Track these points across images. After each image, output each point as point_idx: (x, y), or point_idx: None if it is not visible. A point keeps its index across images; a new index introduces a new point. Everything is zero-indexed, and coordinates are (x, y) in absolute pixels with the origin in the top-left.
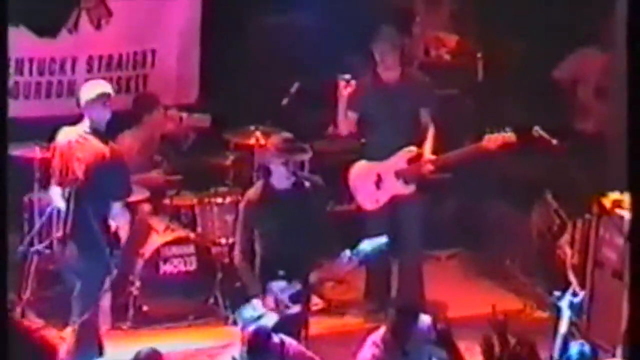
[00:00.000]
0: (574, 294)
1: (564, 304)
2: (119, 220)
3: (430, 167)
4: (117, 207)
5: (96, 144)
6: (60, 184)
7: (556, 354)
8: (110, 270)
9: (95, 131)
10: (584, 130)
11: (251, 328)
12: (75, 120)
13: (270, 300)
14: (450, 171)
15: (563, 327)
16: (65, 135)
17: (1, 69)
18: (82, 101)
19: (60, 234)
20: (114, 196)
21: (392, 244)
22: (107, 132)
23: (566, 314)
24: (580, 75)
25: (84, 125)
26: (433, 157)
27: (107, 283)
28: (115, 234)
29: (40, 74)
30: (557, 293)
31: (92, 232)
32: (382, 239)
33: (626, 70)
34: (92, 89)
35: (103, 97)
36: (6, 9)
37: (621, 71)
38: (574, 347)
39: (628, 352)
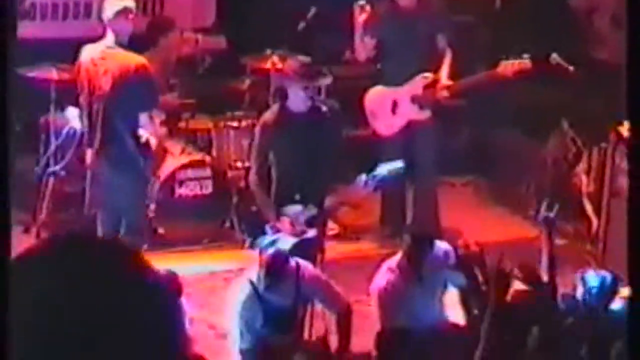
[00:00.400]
0: (549, 208)
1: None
2: (149, 130)
3: (445, 92)
4: (145, 117)
5: (122, 56)
6: (87, 101)
7: (545, 276)
8: (148, 178)
9: (120, 45)
10: (600, 59)
11: (268, 251)
12: (93, 40)
13: (286, 223)
14: (465, 97)
15: (544, 244)
16: (89, 52)
17: None
18: (106, 15)
19: (92, 149)
20: (142, 107)
21: (407, 170)
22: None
23: (544, 230)
24: (596, 3)
25: (108, 41)
26: (449, 82)
27: (148, 191)
28: (147, 143)
29: None
30: (531, 212)
31: (124, 144)
32: (399, 164)
33: None
34: (116, 2)
35: (126, 11)
36: None
37: None
38: (593, 278)
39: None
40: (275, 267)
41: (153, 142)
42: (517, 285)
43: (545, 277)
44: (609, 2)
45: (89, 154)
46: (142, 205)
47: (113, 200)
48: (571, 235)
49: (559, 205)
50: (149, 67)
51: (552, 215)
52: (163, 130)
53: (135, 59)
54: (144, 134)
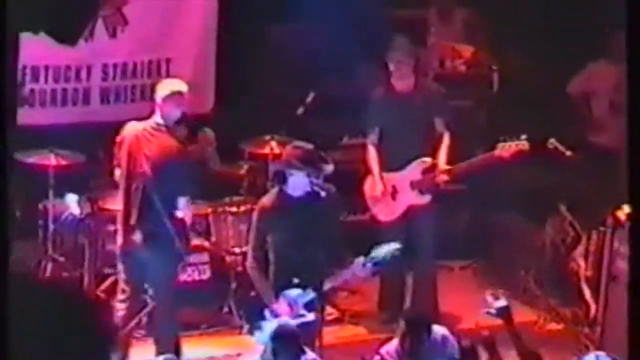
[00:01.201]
0: (495, 297)
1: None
2: (186, 213)
3: (444, 176)
4: (184, 200)
5: (166, 139)
6: (125, 178)
7: None
8: (183, 258)
9: (165, 127)
10: (598, 143)
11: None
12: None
13: (284, 305)
14: (464, 181)
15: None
16: (134, 129)
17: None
18: (158, 95)
19: (130, 224)
20: (181, 191)
21: (406, 255)
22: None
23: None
24: (594, 89)
25: (154, 120)
26: (447, 166)
27: (180, 270)
28: (184, 225)
29: (56, 81)
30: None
31: (162, 224)
32: (395, 244)
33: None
34: (168, 85)
35: (177, 95)
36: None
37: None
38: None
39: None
40: (285, 335)
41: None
42: None
43: None
44: (607, 87)
45: (121, 233)
46: (174, 285)
47: (144, 280)
48: (569, 319)
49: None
50: (190, 153)
51: (502, 303)
52: None
53: (178, 144)
54: (181, 214)
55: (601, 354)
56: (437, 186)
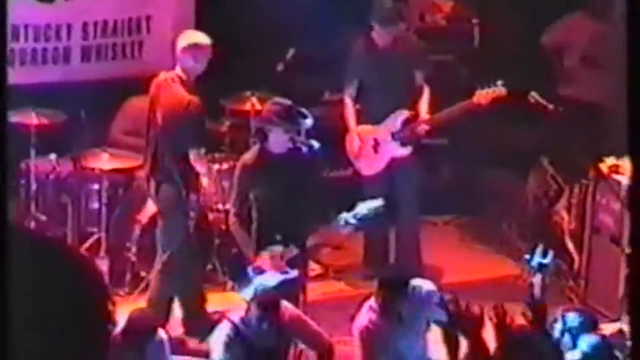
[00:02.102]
0: (544, 255)
1: (533, 265)
2: (198, 167)
3: (425, 126)
4: (195, 153)
5: (178, 91)
6: (147, 125)
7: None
8: (188, 213)
9: (180, 79)
10: (569, 96)
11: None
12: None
13: (266, 260)
14: (445, 134)
15: (536, 290)
16: (158, 78)
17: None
18: (177, 47)
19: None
20: (189, 144)
21: (389, 210)
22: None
23: (537, 276)
24: (567, 41)
25: (174, 72)
26: (427, 116)
27: (191, 226)
28: (196, 178)
29: (36, 40)
30: (526, 256)
31: (171, 174)
32: (378, 202)
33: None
34: (187, 37)
35: (193, 47)
36: None
37: (615, 40)
38: (574, 318)
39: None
40: (266, 305)
41: (205, 180)
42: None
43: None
44: (580, 40)
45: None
46: (180, 237)
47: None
48: (553, 272)
49: (552, 252)
50: (200, 106)
51: (546, 261)
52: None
53: (188, 96)
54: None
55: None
56: (418, 137)
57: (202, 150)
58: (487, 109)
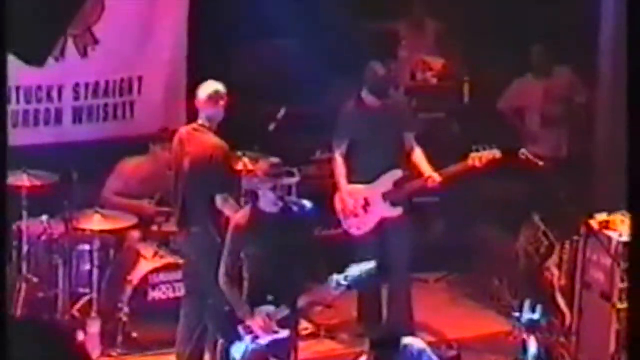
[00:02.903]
0: (532, 310)
1: (524, 322)
2: (227, 211)
3: (437, 179)
4: (220, 199)
5: (205, 138)
6: (174, 180)
7: None
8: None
9: (205, 127)
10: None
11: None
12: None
13: (259, 320)
14: (436, 193)
15: (532, 348)
16: (180, 132)
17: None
18: (198, 99)
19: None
20: (218, 189)
21: (381, 269)
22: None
23: (531, 336)
24: (524, 104)
25: (197, 122)
26: (434, 173)
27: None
28: (225, 224)
29: (28, 102)
30: (515, 314)
31: (202, 224)
32: (371, 264)
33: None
34: (207, 87)
35: (215, 96)
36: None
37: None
38: None
39: None
40: None
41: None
42: None
43: None
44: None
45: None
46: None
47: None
48: (545, 329)
49: (541, 307)
50: (227, 151)
51: (536, 317)
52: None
53: (214, 141)
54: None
55: None
56: (409, 198)
57: (228, 196)
58: (482, 171)
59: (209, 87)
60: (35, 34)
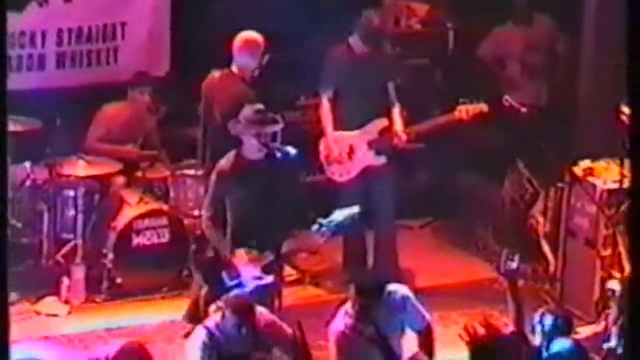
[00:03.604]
0: (510, 259)
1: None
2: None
3: (403, 138)
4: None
5: (234, 85)
6: (203, 124)
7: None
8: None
9: (235, 75)
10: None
11: (231, 294)
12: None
13: (242, 257)
14: (421, 141)
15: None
16: (210, 78)
17: None
18: (234, 45)
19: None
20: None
21: (366, 215)
22: None
23: (507, 281)
24: (503, 53)
25: (228, 70)
26: (405, 129)
27: None
28: None
29: (11, 47)
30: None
31: None
32: (354, 209)
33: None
34: (244, 34)
35: (250, 44)
36: None
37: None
38: (548, 319)
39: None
40: (241, 311)
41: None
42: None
43: (510, 327)
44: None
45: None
46: None
47: None
48: (529, 275)
49: (519, 254)
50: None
51: (514, 265)
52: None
53: (242, 89)
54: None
55: (547, 312)
56: (394, 147)
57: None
58: (468, 123)
59: (245, 35)
60: None
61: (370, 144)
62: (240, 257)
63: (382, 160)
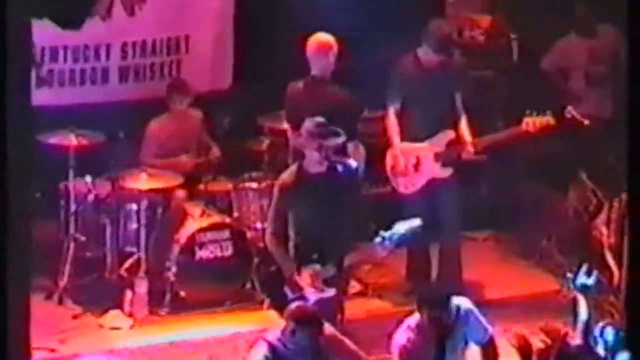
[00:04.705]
0: (588, 274)
1: (577, 285)
2: (357, 157)
3: (470, 150)
4: (352, 146)
5: (324, 88)
6: (291, 132)
7: (579, 340)
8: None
9: (318, 78)
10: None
11: (292, 305)
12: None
13: (307, 277)
14: (487, 153)
15: (582, 312)
16: (291, 88)
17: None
18: (309, 50)
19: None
20: (350, 135)
21: (430, 227)
22: None
23: (581, 298)
24: (567, 64)
25: (310, 75)
26: (473, 140)
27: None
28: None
29: (75, 61)
30: (569, 275)
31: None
32: (416, 221)
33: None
34: (317, 38)
35: (323, 45)
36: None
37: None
38: (610, 333)
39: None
40: (305, 320)
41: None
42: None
43: (578, 340)
44: (581, 62)
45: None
46: None
47: None
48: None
49: (596, 272)
50: (350, 97)
51: (590, 282)
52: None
53: (335, 90)
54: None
55: (608, 325)
56: (460, 159)
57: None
58: (534, 136)
59: (319, 38)
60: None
61: (437, 156)
62: (305, 278)
63: (448, 172)
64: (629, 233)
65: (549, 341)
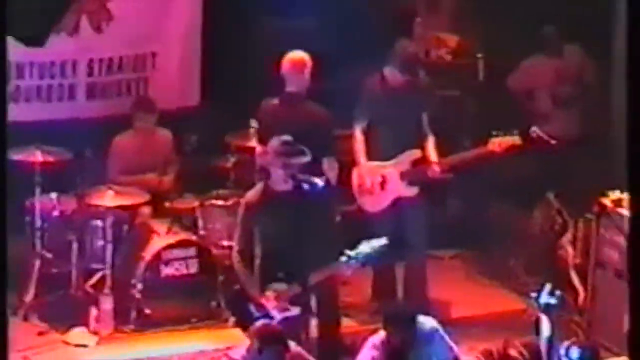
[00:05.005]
0: (551, 294)
1: (541, 304)
2: (332, 174)
3: (436, 169)
4: (327, 161)
5: (301, 105)
6: (261, 144)
7: (544, 358)
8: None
9: (296, 95)
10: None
11: (258, 323)
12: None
13: (271, 298)
14: (452, 172)
15: (545, 330)
16: (265, 105)
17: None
18: (283, 68)
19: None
20: (326, 152)
21: (396, 246)
22: None
23: (544, 317)
24: (533, 84)
25: (285, 92)
26: (440, 159)
27: None
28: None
29: (41, 77)
30: (533, 294)
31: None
32: (382, 240)
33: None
34: (291, 56)
35: (296, 62)
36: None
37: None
38: (574, 352)
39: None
40: (269, 339)
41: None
42: None
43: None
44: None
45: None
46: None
47: None
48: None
49: (560, 292)
50: (328, 114)
51: (553, 301)
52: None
53: (312, 107)
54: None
55: (573, 344)
56: (426, 178)
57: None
58: (500, 155)
59: (294, 55)
60: (32, 17)
61: (402, 175)
62: (268, 298)
63: (414, 191)
64: (629, 233)
65: (527, 354)
